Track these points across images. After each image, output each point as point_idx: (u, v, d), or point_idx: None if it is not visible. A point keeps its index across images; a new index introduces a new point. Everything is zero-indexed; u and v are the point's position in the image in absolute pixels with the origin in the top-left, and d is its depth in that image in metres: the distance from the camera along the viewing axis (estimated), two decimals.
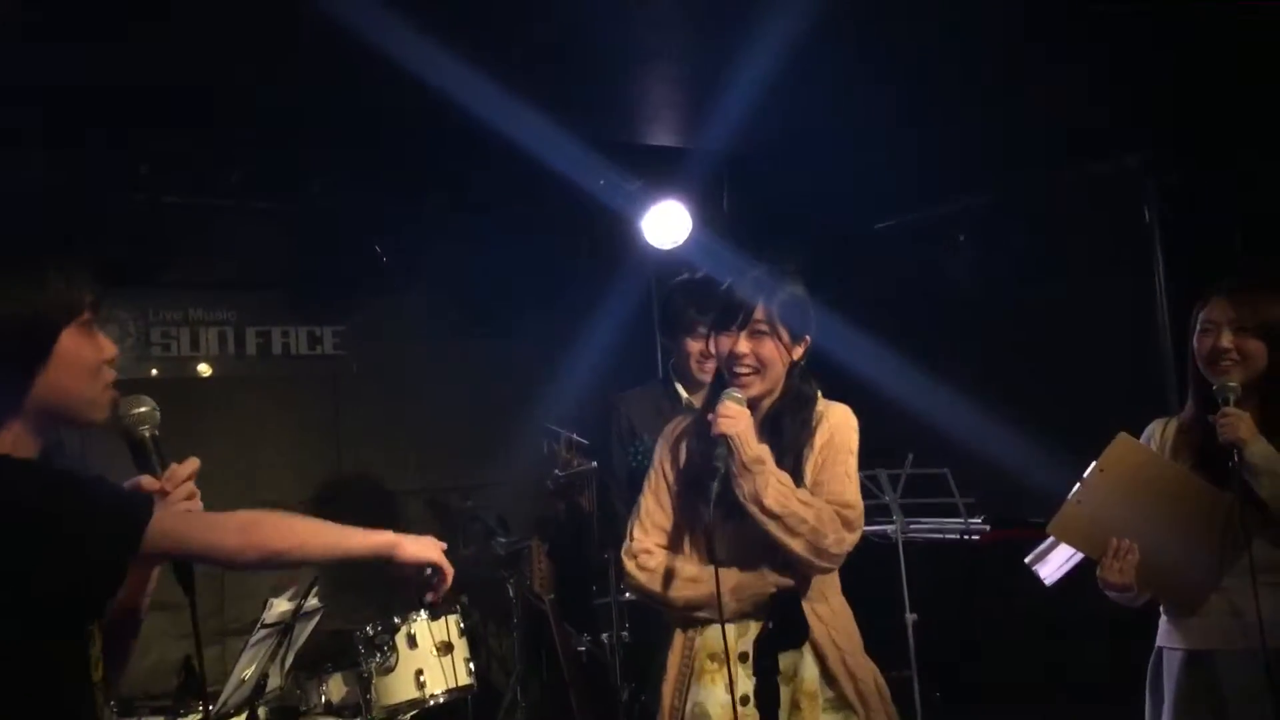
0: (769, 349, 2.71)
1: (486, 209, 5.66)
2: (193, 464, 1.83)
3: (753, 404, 2.72)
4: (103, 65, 4.22)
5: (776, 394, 2.76)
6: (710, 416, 2.66)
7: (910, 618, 4.51)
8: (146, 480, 1.79)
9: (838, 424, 2.75)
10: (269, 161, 5.18)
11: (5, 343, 1.63)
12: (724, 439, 2.60)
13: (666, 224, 5.42)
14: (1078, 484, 2.88)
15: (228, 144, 5.06)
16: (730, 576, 2.65)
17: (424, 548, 1.93)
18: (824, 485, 2.69)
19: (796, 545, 2.59)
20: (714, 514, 2.58)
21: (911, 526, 4.61)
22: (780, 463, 2.66)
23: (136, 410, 1.82)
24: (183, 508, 1.77)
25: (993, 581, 4.75)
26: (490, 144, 4.62)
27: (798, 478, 2.68)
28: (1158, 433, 3.02)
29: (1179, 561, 2.80)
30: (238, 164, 5.12)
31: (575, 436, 5.21)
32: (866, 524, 4.67)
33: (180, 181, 5.07)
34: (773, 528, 2.59)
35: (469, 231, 5.73)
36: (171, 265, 5.36)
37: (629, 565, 2.78)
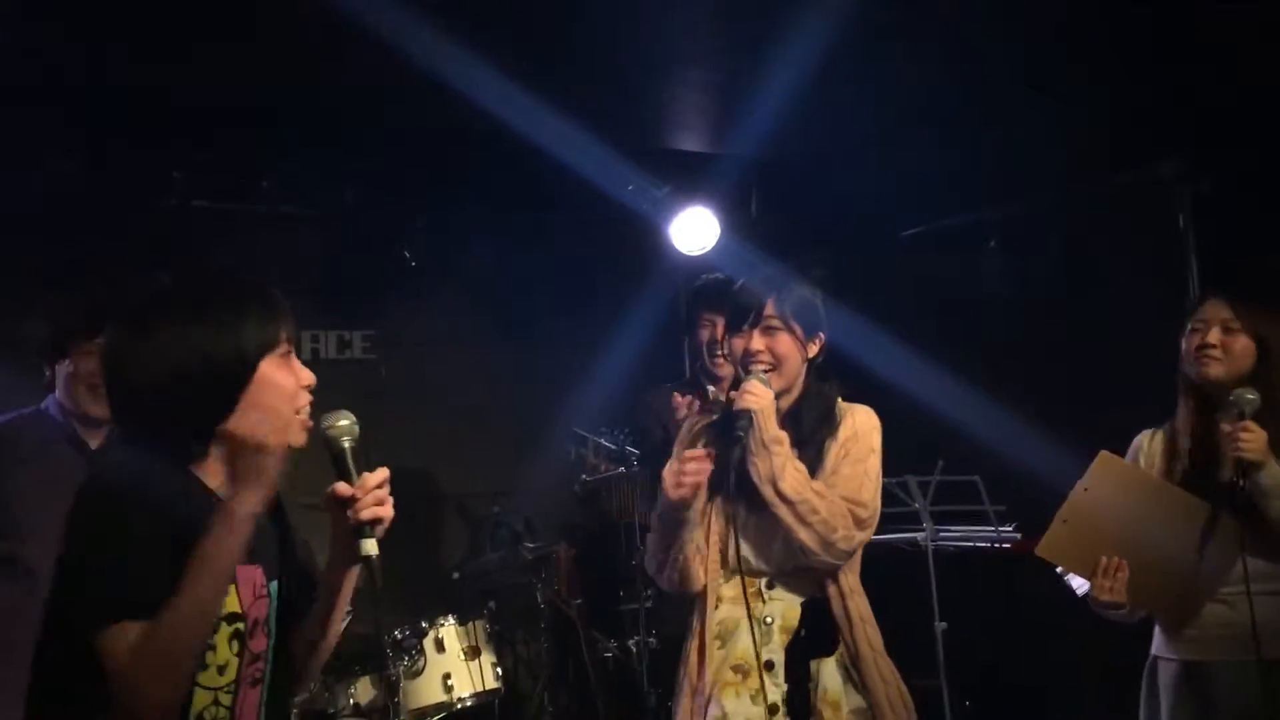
0: (784, 344, 2.69)
1: (515, 214, 5.67)
2: (382, 473, 1.94)
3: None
4: (135, 70, 4.26)
5: (796, 393, 2.74)
6: (733, 393, 2.65)
7: (939, 626, 4.48)
8: (341, 487, 1.91)
9: (862, 423, 2.72)
10: (299, 167, 5.21)
11: (208, 376, 1.81)
12: (747, 414, 2.58)
13: (695, 230, 5.42)
14: (1063, 504, 2.87)
15: (258, 150, 5.09)
16: None
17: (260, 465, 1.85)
18: (840, 479, 2.65)
19: (805, 535, 2.55)
20: (733, 482, 2.57)
21: (941, 534, 4.59)
22: (800, 456, 2.64)
23: (338, 424, 1.95)
24: (373, 513, 1.90)
25: (1023, 590, 4.71)
26: (519, 149, 4.64)
27: (815, 472, 2.65)
28: (1145, 443, 3.01)
29: (1169, 577, 2.79)
30: (268, 170, 5.16)
31: (603, 441, 5.22)
32: (896, 531, 4.70)
33: (211, 187, 5.12)
34: (784, 512, 2.55)
35: (498, 236, 5.75)
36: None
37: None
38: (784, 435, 2.62)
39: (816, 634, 2.61)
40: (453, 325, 5.94)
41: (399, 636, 4.66)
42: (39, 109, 4.25)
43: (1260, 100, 4.27)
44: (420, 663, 4.64)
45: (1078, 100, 4.70)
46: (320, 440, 1.96)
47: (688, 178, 5.50)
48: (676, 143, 5.65)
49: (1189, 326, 2.87)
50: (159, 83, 4.37)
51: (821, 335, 2.76)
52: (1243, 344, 2.77)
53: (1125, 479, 2.88)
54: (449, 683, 4.64)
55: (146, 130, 4.65)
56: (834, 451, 2.68)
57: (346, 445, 1.95)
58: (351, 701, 4.65)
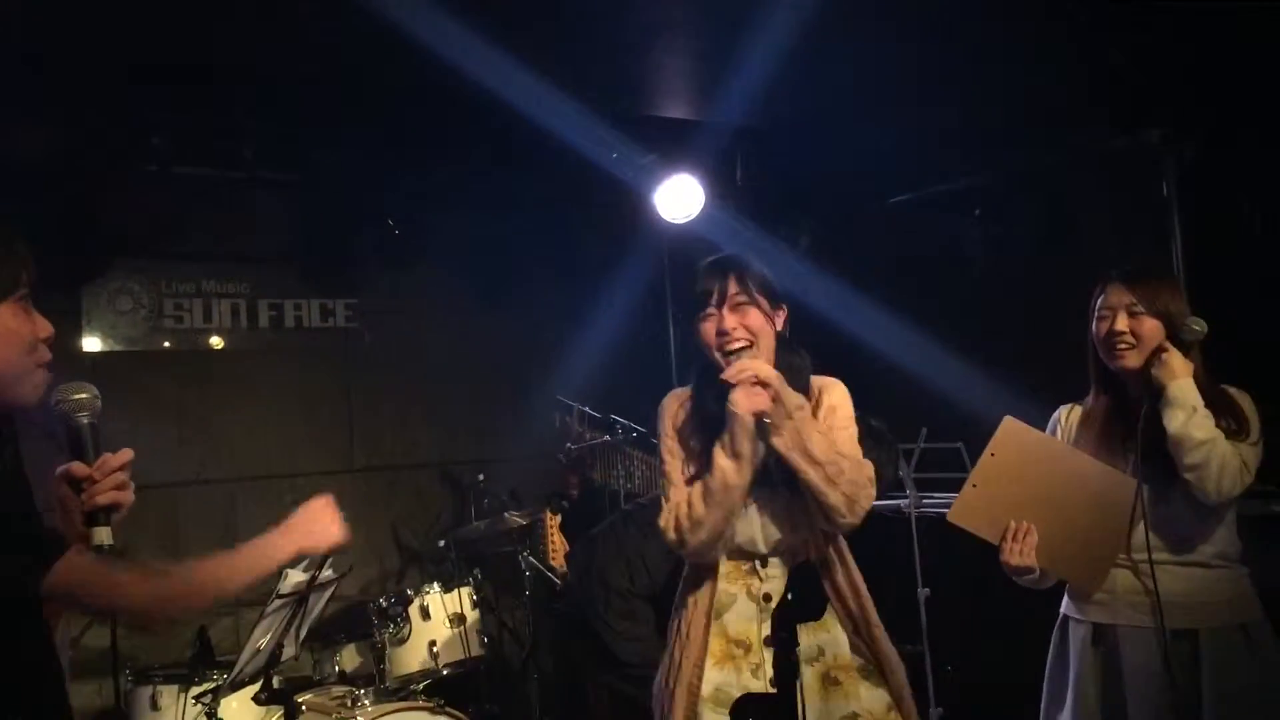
0: (755, 319, 2.62)
1: (499, 182, 5.64)
2: (125, 455, 1.81)
3: None
4: (116, 37, 4.21)
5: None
6: (738, 371, 2.52)
7: (923, 592, 4.51)
8: (77, 467, 1.77)
9: (840, 395, 2.71)
10: (282, 134, 5.17)
11: None
12: (765, 384, 2.50)
13: (679, 197, 5.40)
14: (973, 469, 2.89)
15: (241, 116, 5.04)
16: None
17: (319, 537, 1.92)
18: (840, 445, 2.61)
19: (834, 496, 2.51)
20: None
21: (925, 501, 4.60)
22: None
23: (76, 396, 1.80)
24: (111, 498, 1.76)
25: None
26: (503, 117, 4.60)
27: None
28: (1064, 417, 3.05)
29: (1077, 542, 2.81)
30: (251, 136, 5.11)
31: (587, 409, 5.22)
32: (879, 499, 4.72)
33: (193, 153, 5.07)
34: (814, 476, 2.50)
35: (482, 204, 5.72)
36: (184, 237, 5.37)
37: (672, 522, 2.62)
38: (803, 398, 2.58)
39: (802, 598, 2.61)
40: (436, 293, 5.92)
41: (384, 604, 4.67)
42: (16, 73, 4.19)
43: (1246, 65, 4.27)
44: (406, 630, 4.65)
45: (1062, 66, 4.68)
46: (57, 413, 1.81)
47: (672, 144, 5.47)
48: (661, 109, 5.61)
49: (1095, 314, 2.90)
50: (138, 48, 4.32)
51: (784, 307, 2.72)
52: (1150, 325, 2.79)
53: (1029, 443, 2.88)
54: (434, 650, 4.66)
55: (126, 96, 4.59)
56: (819, 426, 2.64)
57: (85, 421, 1.80)
58: (337, 669, 4.67)
